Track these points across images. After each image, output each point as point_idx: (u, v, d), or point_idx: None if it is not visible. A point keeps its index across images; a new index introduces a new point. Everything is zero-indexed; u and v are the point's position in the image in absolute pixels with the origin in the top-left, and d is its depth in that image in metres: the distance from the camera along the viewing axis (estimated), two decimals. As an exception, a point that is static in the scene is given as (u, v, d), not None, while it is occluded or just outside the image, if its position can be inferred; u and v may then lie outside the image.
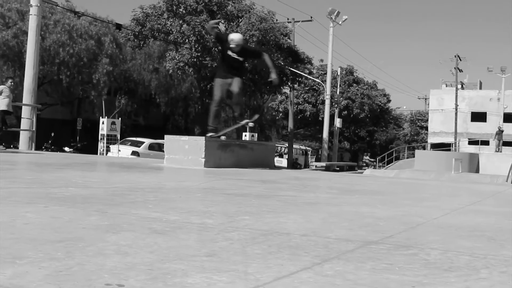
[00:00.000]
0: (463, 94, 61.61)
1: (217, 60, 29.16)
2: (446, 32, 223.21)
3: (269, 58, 10.88)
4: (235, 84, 10.24)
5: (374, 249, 2.65)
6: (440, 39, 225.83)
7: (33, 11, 18.07)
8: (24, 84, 18.19)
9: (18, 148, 17.83)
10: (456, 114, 57.62)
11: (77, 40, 36.02)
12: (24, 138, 17.31)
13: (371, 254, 2.53)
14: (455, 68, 59.08)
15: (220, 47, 10.98)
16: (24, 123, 17.43)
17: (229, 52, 10.13)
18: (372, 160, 63.77)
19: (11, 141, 19.88)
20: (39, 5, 18.18)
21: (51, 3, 35.93)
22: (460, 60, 59.62)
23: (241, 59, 10.22)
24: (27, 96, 17.76)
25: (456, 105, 57.67)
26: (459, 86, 61.80)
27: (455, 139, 56.46)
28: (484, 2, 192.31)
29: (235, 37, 10.14)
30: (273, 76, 10.54)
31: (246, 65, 11.05)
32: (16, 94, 18.33)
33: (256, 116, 11.05)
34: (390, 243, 2.84)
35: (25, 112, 17.54)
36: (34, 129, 17.27)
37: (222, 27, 11.05)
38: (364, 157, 71.59)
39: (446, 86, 67.57)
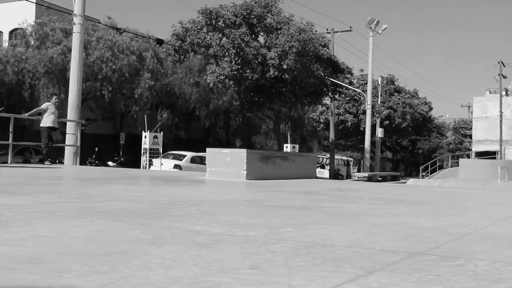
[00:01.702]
0: (507, 101, 60.36)
1: (257, 72, 29.36)
2: (489, 38, 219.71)
3: None
4: None
5: (419, 260, 2.61)
6: (483, 45, 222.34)
7: (76, 28, 18.45)
8: (68, 100, 18.56)
9: (63, 163, 18.17)
10: (501, 121, 56.52)
11: (119, 56, 36.60)
12: (69, 153, 17.64)
13: (417, 265, 2.49)
14: (498, 74, 58.06)
15: None
16: (69, 139, 17.76)
17: None
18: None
19: (56, 156, 20.26)
20: (82, 23, 18.55)
21: (94, 21, 36.63)
22: (504, 66, 58.59)
23: None
24: (71, 112, 18.10)
25: (501, 112, 56.58)
26: (504, 93, 60.62)
27: (501, 147, 55.33)
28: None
29: None
30: None
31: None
32: (61, 110, 18.71)
33: None
34: (435, 254, 2.80)
35: (70, 127, 17.88)
36: (78, 144, 17.59)
37: None
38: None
39: (490, 93, 66.33)
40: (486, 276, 2.31)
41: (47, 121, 14.70)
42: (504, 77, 58.91)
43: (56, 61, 34.08)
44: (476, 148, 61.09)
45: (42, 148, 14.84)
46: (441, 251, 2.91)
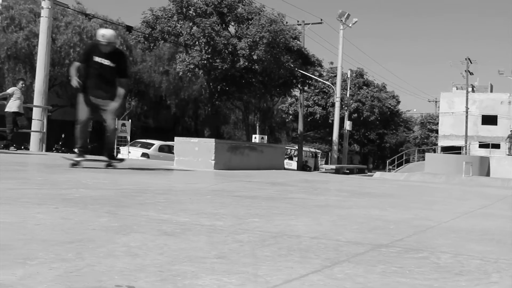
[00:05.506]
0: (473, 97, 61.31)
1: (227, 62, 29.30)
2: (457, 35, 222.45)
3: (127, 84, 8.76)
4: (110, 116, 8.43)
5: (384, 252, 2.64)
6: (450, 42, 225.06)
7: (44, 13, 18.16)
8: (35, 85, 18.28)
9: (29, 149, 17.91)
10: (466, 117, 57.34)
11: (87, 42, 36.14)
12: (34, 139, 17.39)
13: (381, 257, 2.52)
14: (465, 71, 58.83)
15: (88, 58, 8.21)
16: (35, 125, 17.51)
17: (97, 59, 7.96)
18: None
19: (22, 142, 19.96)
20: (50, 7, 18.27)
21: (62, 5, 35.94)
22: (471, 62, 59.40)
23: (112, 65, 8.04)
24: (38, 98, 17.84)
25: (467, 108, 57.40)
26: (470, 89, 61.50)
27: (466, 142, 56.18)
28: (495, 4, 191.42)
29: (106, 33, 8.02)
30: (114, 104, 8.38)
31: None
32: (27, 95, 18.42)
33: (118, 162, 8.82)
34: (400, 246, 2.83)
35: (36, 113, 17.62)
36: (44, 130, 17.35)
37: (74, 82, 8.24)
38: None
39: (457, 89, 67.26)
40: (448, 268, 2.35)
41: (12, 106, 14.49)
42: (471, 73, 59.76)
43: (22, 46, 33.52)
44: (442, 143, 61.96)
45: (7, 134, 14.62)
46: (405, 243, 2.95)
